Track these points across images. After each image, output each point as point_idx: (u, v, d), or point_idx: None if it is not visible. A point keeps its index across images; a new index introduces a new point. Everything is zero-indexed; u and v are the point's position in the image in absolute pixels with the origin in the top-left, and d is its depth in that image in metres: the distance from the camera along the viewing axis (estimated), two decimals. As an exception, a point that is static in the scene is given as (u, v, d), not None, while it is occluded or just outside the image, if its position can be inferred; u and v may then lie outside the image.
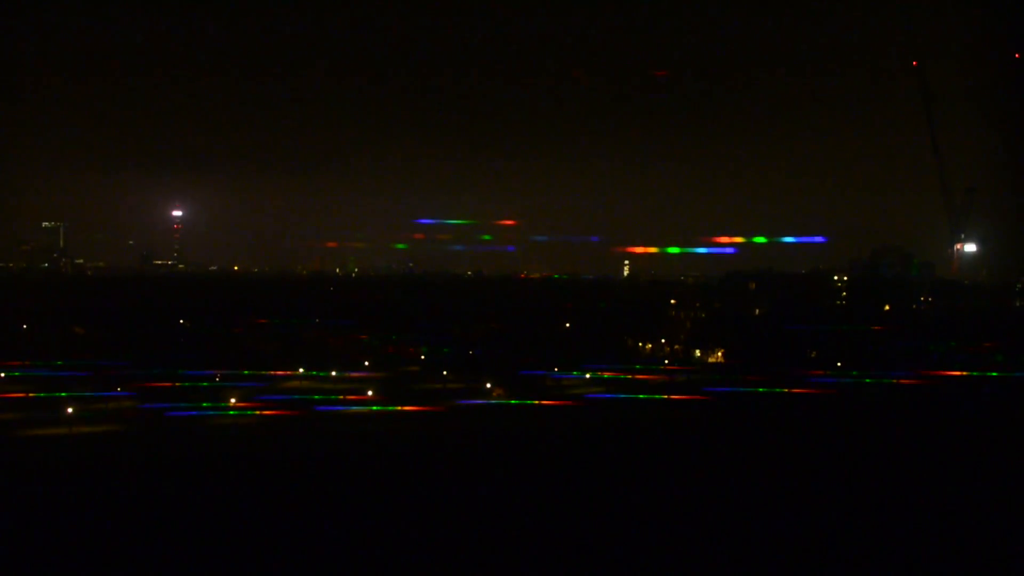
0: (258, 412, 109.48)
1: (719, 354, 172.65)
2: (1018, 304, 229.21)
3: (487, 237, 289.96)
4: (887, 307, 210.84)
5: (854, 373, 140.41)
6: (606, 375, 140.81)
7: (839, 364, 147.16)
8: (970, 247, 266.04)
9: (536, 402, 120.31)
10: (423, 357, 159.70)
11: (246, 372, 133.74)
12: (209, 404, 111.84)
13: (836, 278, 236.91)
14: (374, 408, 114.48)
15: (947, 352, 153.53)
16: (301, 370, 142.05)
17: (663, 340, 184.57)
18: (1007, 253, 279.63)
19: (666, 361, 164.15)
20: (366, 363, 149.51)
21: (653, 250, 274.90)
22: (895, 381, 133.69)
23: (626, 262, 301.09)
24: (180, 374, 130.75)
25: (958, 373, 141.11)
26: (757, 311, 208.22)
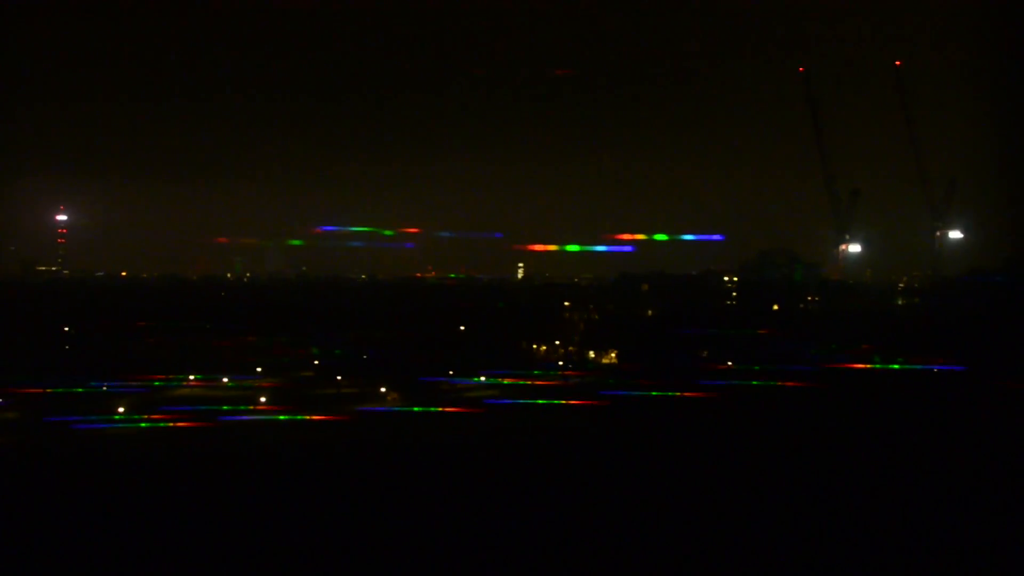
0: (167, 423, 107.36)
1: (612, 356, 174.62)
2: (901, 302, 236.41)
3: (389, 232, 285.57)
4: (775, 307, 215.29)
5: (756, 368, 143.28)
6: (503, 380, 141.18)
7: (730, 365, 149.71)
8: (855, 248, 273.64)
9: (440, 408, 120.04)
10: (316, 362, 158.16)
11: (134, 381, 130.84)
12: (98, 414, 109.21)
13: (726, 279, 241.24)
14: (283, 417, 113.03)
15: (830, 352, 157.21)
16: (192, 377, 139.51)
17: (557, 343, 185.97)
18: (889, 253, 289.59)
19: (560, 364, 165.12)
20: (258, 369, 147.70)
21: (553, 248, 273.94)
22: (782, 383, 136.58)
23: (520, 264, 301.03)
24: (66, 382, 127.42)
25: (846, 366, 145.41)
26: (649, 312, 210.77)
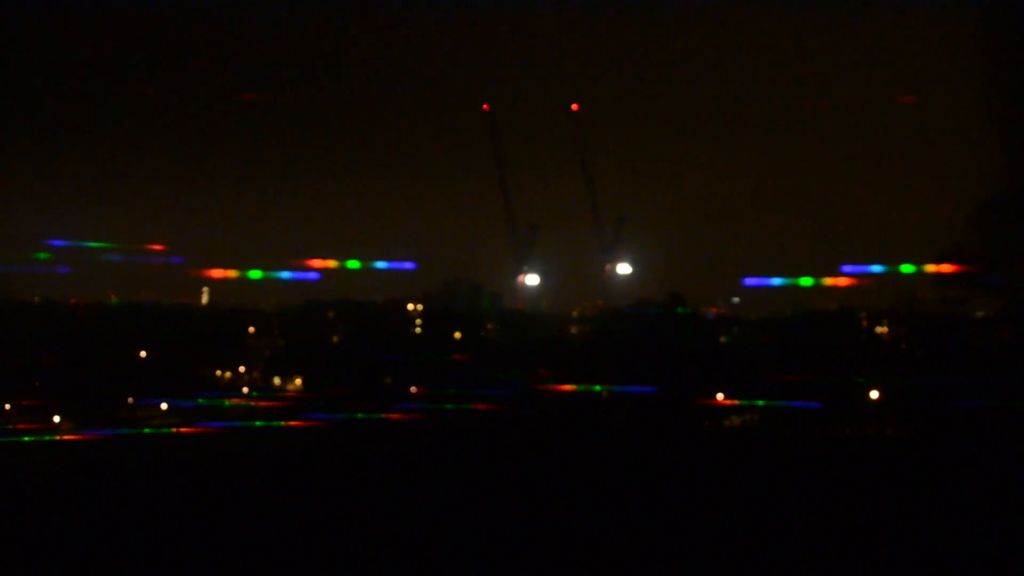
0: None
1: (298, 382, 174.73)
2: (573, 330, 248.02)
3: (43, 256, 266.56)
4: (459, 335, 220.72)
5: (462, 390, 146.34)
6: (200, 401, 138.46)
7: (416, 389, 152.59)
8: (533, 279, 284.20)
9: (173, 430, 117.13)
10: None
11: None
12: None
13: (412, 307, 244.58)
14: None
15: (513, 377, 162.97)
16: None
17: (242, 369, 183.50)
18: (565, 284, 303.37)
19: (245, 390, 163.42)
20: None
21: (233, 274, 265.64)
22: (473, 406, 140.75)
23: (204, 288, 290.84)
24: None
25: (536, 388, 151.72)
26: (336, 339, 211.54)
